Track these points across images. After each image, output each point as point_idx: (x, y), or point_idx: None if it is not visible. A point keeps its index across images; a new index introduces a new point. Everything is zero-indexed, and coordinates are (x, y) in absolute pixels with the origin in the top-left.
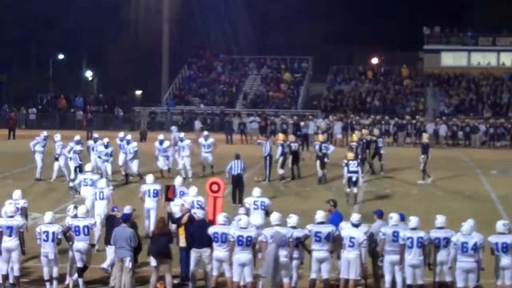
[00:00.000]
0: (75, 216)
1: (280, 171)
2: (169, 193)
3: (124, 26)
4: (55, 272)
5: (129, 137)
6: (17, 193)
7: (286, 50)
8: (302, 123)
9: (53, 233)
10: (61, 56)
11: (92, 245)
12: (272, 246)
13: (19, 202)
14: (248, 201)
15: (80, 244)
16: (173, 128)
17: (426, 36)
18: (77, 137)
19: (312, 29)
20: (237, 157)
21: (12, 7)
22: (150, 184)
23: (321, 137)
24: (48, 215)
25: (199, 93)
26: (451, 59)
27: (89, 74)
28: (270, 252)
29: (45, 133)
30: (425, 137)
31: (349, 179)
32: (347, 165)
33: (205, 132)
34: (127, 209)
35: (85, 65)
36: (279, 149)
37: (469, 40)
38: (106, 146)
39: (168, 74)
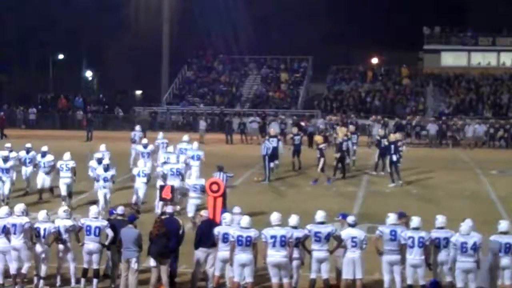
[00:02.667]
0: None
1: (271, 164)
2: (163, 193)
3: (124, 26)
4: (43, 271)
5: (45, 148)
6: (67, 155)
7: (286, 50)
8: (302, 123)
9: (45, 229)
10: (61, 56)
11: (103, 245)
12: (489, 255)
13: (69, 163)
14: (166, 168)
15: (91, 244)
16: (138, 127)
17: (426, 36)
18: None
19: (312, 29)
20: (220, 169)
21: (12, 7)
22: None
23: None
24: (42, 213)
25: (199, 93)
26: (451, 59)
27: (89, 74)
28: (487, 261)
29: None
30: (392, 137)
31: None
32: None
33: (144, 140)
34: (120, 210)
35: (85, 65)
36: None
37: (469, 40)
38: (106, 169)
39: (168, 74)
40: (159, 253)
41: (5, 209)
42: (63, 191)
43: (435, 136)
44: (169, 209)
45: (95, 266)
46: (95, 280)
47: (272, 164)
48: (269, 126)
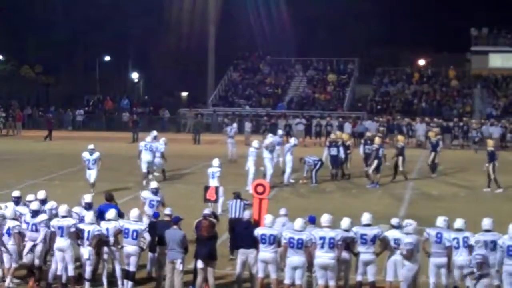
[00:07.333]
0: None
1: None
2: (208, 194)
3: (170, 28)
4: (71, 270)
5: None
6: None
7: (332, 51)
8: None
9: (89, 232)
10: (107, 58)
11: (142, 249)
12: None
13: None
14: (141, 144)
15: (128, 247)
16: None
17: (474, 37)
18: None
19: (359, 30)
20: (237, 196)
21: (60, 9)
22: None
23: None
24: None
25: (244, 95)
26: (499, 60)
27: (135, 76)
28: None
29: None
30: (490, 144)
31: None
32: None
33: (91, 146)
34: (168, 210)
35: (132, 67)
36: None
37: None
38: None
39: (214, 76)
40: (208, 255)
41: (64, 207)
42: (144, 168)
43: (498, 139)
44: (245, 214)
45: (132, 269)
46: (130, 283)
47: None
48: (343, 128)
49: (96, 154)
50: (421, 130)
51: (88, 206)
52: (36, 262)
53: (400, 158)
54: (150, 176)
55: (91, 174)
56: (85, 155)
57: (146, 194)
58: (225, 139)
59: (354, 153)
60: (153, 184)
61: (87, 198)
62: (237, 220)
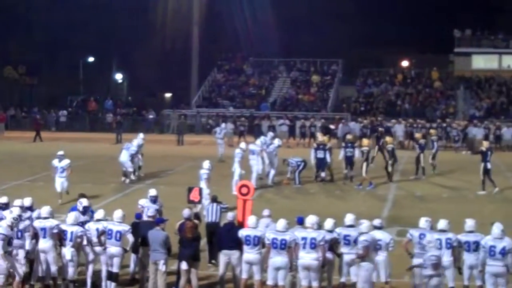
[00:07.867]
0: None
1: (323, 174)
2: (191, 195)
3: (154, 28)
4: (53, 271)
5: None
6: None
7: (316, 52)
8: (332, 126)
9: (71, 233)
10: (91, 59)
11: (125, 250)
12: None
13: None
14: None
15: (112, 248)
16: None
17: (457, 39)
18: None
19: (342, 31)
20: (214, 199)
21: (43, 10)
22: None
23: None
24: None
25: (228, 95)
26: (482, 62)
27: (119, 76)
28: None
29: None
30: (484, 144)
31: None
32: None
33: (60, 152)
34: (151, 211)
35: (115, 68)
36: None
37: (500, 43)
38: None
39: (198, 77)
40: (191, 256)
41: (46, 208)
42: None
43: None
44: (229, 216)
45: (115, 270)
46: (113, 284)
47: (323, 174)
48: (339, 131)
49: (65, 162)
50: (399, 131)
51: (85, 210)
52: (22, 269)
53: (391, 159)
54: (133, 177)
55: (60, 183)
56: (54, 162)
57: (143, 202)
58: (214, 139)
59: (335, 155)
60: (152, 192)
61: (84, 201)
62: (213, 224)
